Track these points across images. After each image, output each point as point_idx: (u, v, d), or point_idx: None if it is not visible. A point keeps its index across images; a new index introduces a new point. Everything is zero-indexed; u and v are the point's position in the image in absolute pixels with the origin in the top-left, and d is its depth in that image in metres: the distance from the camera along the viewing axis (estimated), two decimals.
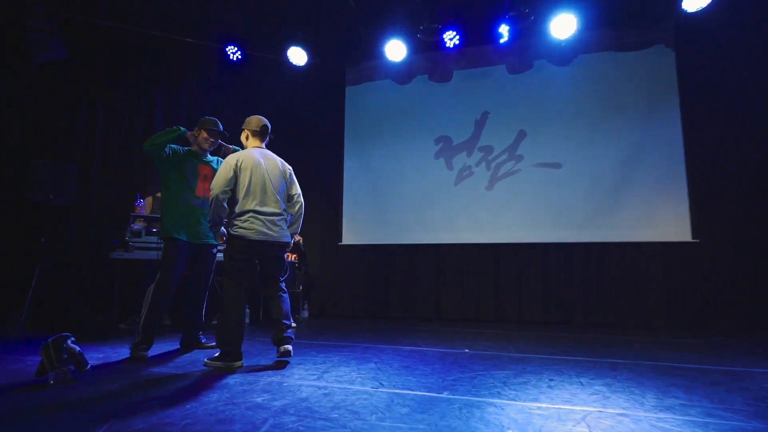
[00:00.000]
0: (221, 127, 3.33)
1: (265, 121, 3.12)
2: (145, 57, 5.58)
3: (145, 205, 4.57)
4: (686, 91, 5.07)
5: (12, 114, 4.84)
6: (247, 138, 3.08)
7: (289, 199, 3.04)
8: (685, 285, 4.89)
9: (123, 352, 3.12)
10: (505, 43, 5.35)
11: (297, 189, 3.08)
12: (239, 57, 5.76)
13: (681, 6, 4.66)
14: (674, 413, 1.86)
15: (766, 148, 4.71)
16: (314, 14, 5.36)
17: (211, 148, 3.33)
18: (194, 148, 3.28)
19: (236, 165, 2.80)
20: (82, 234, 4.99)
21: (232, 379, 2.36)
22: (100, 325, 4.51)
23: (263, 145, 3.09)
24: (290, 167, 3.13)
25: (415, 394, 2.11)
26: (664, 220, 4.97)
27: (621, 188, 5.14)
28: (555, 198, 5.35)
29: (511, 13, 4.95)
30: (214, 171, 3.30)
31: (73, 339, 2.33)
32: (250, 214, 2.77)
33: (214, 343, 3.38)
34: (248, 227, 2.75)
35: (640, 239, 5.02)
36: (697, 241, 4.86)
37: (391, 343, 3.70)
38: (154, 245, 4.28)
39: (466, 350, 3.36)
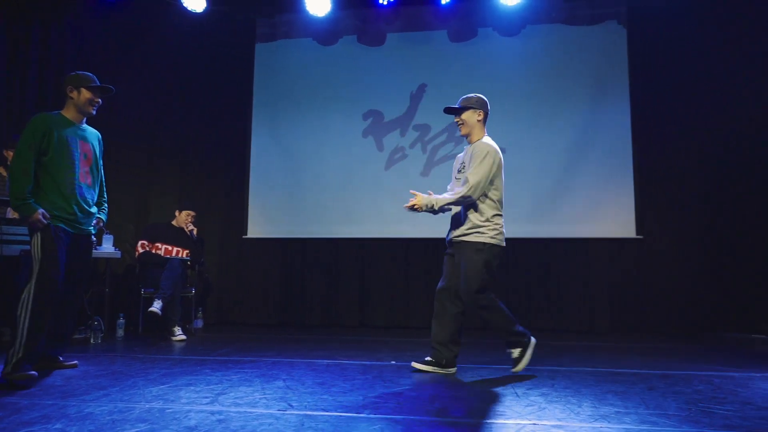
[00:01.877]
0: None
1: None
2: None
3: None
4: (636, 73, 5.54)
5: None
6: (481, 121, 3.34)
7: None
8: (626, 285, 5.38)
9: None
10: (446, 4, 5.50)
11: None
12: None
13: None
14: (609, 422, 2.05)
15: (718, 143, 5.28)
16: None
17: (94, 112, 3.09)
18: (70, 115, 3.02)
19: (498, 157, 3.06)
20: None
21: (99, 408, 2.23)
22: None
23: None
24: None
25: (329, 416, 2.13)
26: (609, 214, 5.42)
27: (566, 178, 5.52)
28: None
29: None
30: (94, 150, 3.12)
31: None
32: (501, 216, 3.06)
33: (75, 362, 3.18)
34: (503, 232, 3.05)
35: (584, 235, 5.44)
36: (641, 237, 5.37)
37: (305, 356, 3.69)
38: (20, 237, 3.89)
39: (393, 362, 3.44)
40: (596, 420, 2.09)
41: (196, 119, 6.15)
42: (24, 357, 2.67)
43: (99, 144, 3.23)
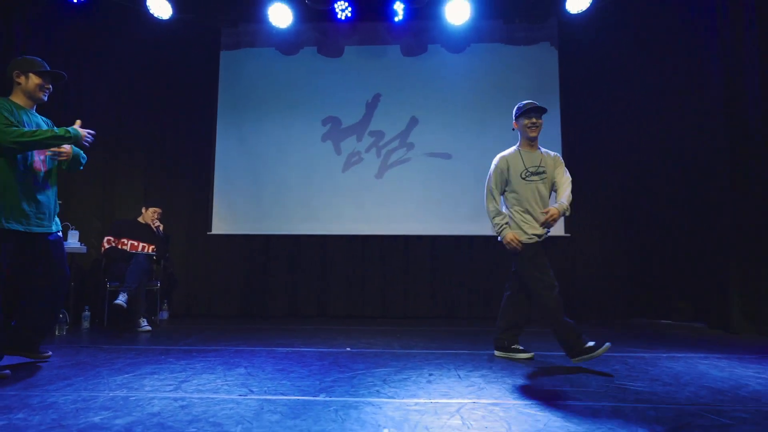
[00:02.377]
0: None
1: None
2: None
3: None
4: (566, 88, 5.77)
5: None
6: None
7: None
8: (557, 277, 5.57)
9: None
10: (399, 21, 5.53)
11: None
12: None
13: (565, 7, 5.26)
14: (539, 399, 2.13)
15: (632, 150, 5.56)
16: None
17: (45, 98, 2.79)
18: (22, 101, 2.72)
19: None
20: None
21: (63, 397, 2.12)
22: None
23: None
24: None
25: (288, 399, 2.11)
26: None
27: None
28: (444, 189, 5.71)
29: None
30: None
31: None
32: None
33: (50, 353, 2.98)
34: None
35: None
36: (569, 235, 5.59)
37: (266, 344, 3.64)
38: None
39: (348, 349, 3.44)
40: (528, 398, 2.16)
41: (162, 120, 5.93)
42: None
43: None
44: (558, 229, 5.57)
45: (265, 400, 2.11)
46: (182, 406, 2.00)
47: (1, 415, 1.87)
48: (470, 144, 5.75)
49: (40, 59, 2.80)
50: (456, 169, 5.74)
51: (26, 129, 2.57)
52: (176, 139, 5.94)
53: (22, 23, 5.15)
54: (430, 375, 2.61)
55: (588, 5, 5.19)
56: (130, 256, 4.64)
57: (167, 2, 5.25)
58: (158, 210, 5.03)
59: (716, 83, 4.78)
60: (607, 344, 2.75)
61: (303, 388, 2.32)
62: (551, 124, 5.70)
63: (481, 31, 5.85)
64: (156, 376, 2.55)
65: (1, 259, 2.54)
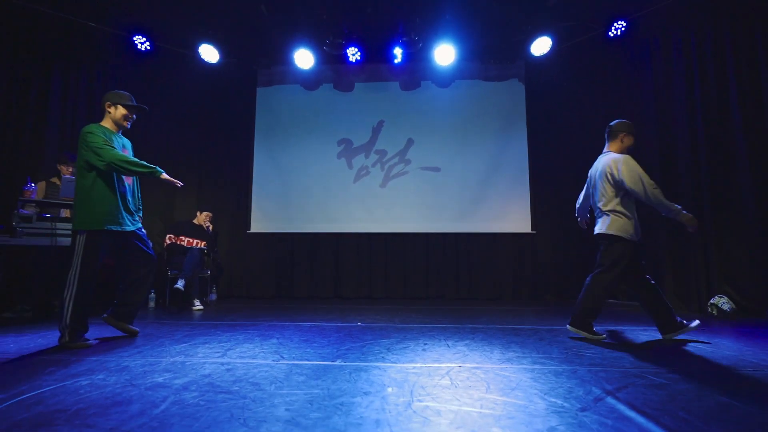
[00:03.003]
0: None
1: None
2: (41, 37, 4.69)
3: (36, 190, 3.85)
4: (531, 116, 5.74)
5: None
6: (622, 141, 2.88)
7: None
8: (525, 266, 5.56)
9: (7, 342, 2.62)
10: (399, 63, 5.52)
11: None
12: (148, 47, 5.12)
13: (530, 50, 5.25)
14: (512, 363, 2.12)
15: (585, 163, 5.52)
16: (227, 14, 4.97)
17: (129, 126, 2.82)
18: (110, 126, 2.74)
19: None
20: None
21: (134, 362, 2.13)
22: None
23: (606, 149, 2.98)
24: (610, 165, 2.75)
25: (311, 364, 2.11)
26: (513, 215, 5.59)
27: (483, 189, 5.66)
28: (434, 196, 5.69)
29: (404, 39, 5.12)
30: (130, 154, 2.85)
31: None
32: None
33: (138, 330, 2.93)
34: None
35: (496, 230, 5.58)
36: (535, 232, 5.56)
37: (293, 320, 3.64)
38: (47, 230, 3.64)
39: (359, 323, 3.43)
40: (503, 362, 2.15)
41: (211, 143, 5.95)
42: (78, 327, 2.50)
43: (131, 151, 2.93)
44: (526, 227, 5.55)
45: (294, 364, 2.10)
46: (227, 369, 2.00)
47: (85, 376, 1.87)
48: (455, 159, 5.74)
49: (128, 93, 2.82)
50: (444, 180, 5.73)
51: (115, 151, 2.59)
52: (222, 158, 5.96)
53: (102, 68, 5.21)
54: (425, 344, 2.60)
55: (548, 49, 5.17)
56: (186, 250, 4.66)
57: (215, 49, 5.26)
58: (209, 214, 5.06)
59: (650, 113, 4.76)
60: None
61: (323, 355, 2.32)
62: (519, 143, 5.69)
63: (463, 70, 5.84)
64: (207, 345, 2.55)
65: (101, 254, 2.58)
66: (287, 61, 5.63)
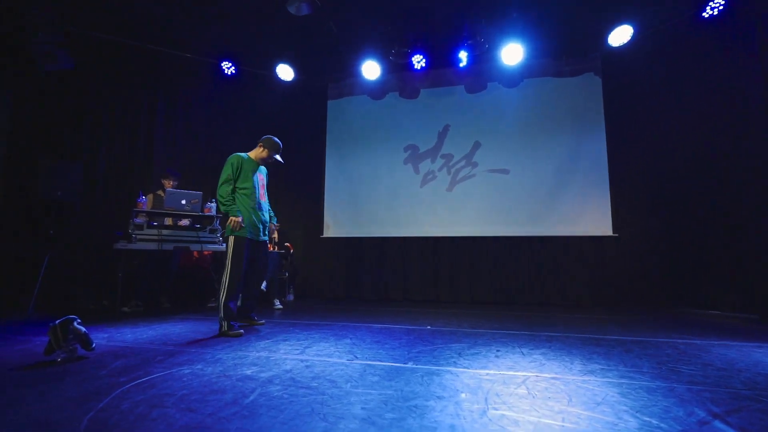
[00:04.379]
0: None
1: None
2: (147, 69, 5.37)
3: (146, 202, 4.40)
4: (610, 112, 5.29)
5: (23, 118, 4.57)
6: None
7: None
8: (606, 271, 5.11)
9: (125, 332, 3.01)
10: (464, 66, 5.43)
11: None
12: (233, 72, 5.63)
13: (607, 41, 4.84)
14: (596, 376, 1.94)
15: (673, 160, 4.96)
16: (301, 36, 5.28)
17: (265, 166, 3.45)
18: (255, 157, 3.30)
19: None
20: (87, 226, 4.78)
21: (226, 355, 2.32)
22: (105, 309, 4.33)
23: None
24: None
25: (384, 365, 2.13)
26: (590, 217, 5.17)
27: (556, 191, 5.32)
28: (503, 199, 5.47)
29: (469, 42, 5.02)
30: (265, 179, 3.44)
31: (79, 321, 2.23)
32: None
33: (263, 321, 3.44)
34: None
35: (571, 233, 5.21)
36: (617, 235, 5.08)
37: (364, 321, 3.71)
38: (155, 237, 4.14)
39: (429, 327, 3.39)
40: (586, 374, 1.99)
41: (286, 154, 6.30)
42: (227, 321, 2.92)
43: (266, 177, 3.50)
44: (606, 230, 5.10)
45: (367, 364, 2.14)
46: (306, 366, 2.09)
47: (187, 366, 2.08)
48: (524, 161, 5.47)
49: (280, 145, 3.37)
50: (513, 182, 5.49)
51: (227, 189, 3.06)
52: (296, 169, 6.31)
53: (196, 93, 5.82)
54: (498, 351, 2.49)
55: (628, 38, 4.73)
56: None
57: (290, 68, 5.61)
58: (277, 225, 5.38)
59: (757, 100, 4.11)
60: None
61: (395, 356, 2.32)
62: (596, 140, 5.27)
63: (532, 68, 5.56)
64: (287, 343, 2.70)
65: (244, 258, 3.05)
66: (355, 73, 5.82)
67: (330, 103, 6.36)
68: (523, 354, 2.41)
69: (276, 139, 3.36)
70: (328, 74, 6.12)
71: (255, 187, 3.22)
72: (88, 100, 4.95)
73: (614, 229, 5.10)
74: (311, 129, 6.35)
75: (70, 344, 2.17)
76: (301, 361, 2.20)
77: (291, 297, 5.66)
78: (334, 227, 6.09)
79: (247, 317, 3.33)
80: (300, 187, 6.30)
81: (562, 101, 5.45)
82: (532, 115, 5.53)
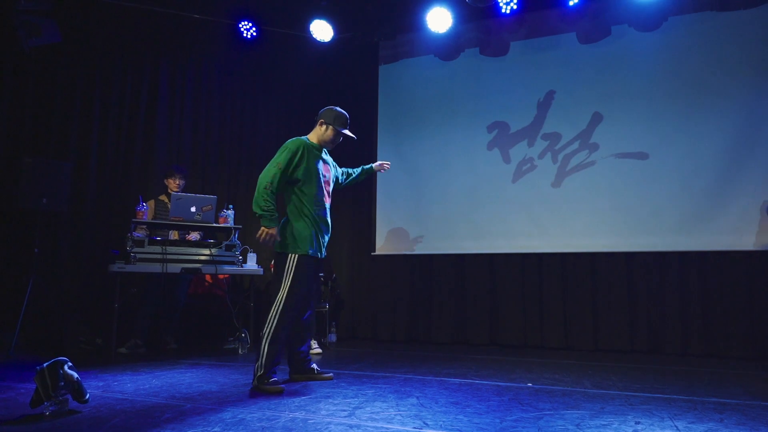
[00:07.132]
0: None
1: None
2: (148, 37, 5.84)
3: (147, 210, 4.75)
4: None
5: (1, 107, 5.15)
6: None
7: None
8: None
9: (125, 380, 3.26)
10: (575, 5, 5.30)
11: None
12: (254, 34, 5.94)
13: None
14: None
15: None
16: None
17: (331, 148, 3.55)
18: (320, 143, 3.42)
19: None
20: (78, 243, 5.27)
21: (250, 415, 2.43)
22: (99, 349, 4.72)
23: None
24: None
25: None
26: None
27: (725, 183, 4.94)
28: (640, 196, 5.20)
29: None
30: (333, 173, 3.54)
31: (70, 364, 2.46)
32: None
33: (330, 374, 3.45)
34: None
35: (752, 248, 4.79)
36: None
37: (436, 373, 3.69)
38: (158, 255, 4.45)
39: (529, 384, 3.31)
40: None
41: None
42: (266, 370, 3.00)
43: (333, 168, 3.62)
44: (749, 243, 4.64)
45: None
46: None
47: (201, 427, 2.20)
48: (672, 139, 5.15)
49: (346, 116, 3.47)
50: (655, 171, 5.19)
51: (271, 185, 3.12)
52: (339, 157, 6.45)
53: (208, 62, 6.24)
54: (637, 423, 2.35)
55: None
56: None
57: (328, 25, 5.80)
58: None
59: None
60: None
61: (482, 426, 2.29)
62: None
63: (680, 0, 5.25)
64: (330, 400, 2.76)
65: (306, 282, 3.21)
66: (417, 27, 5.87)
67: (382, 68, 6.47)
68: (678, 430, 2.26)
69: (338, 108, 3.45)
70: (379, 29, 6.23)
71: (320, 186, 3.31)
72: (75, 82, 5.48)
73: None
74: (357, 105, 6.47)
75: (61, 394, 2.40)
76: (350, 426, 2.23)
77: (333, 337, 5.79)
78: (390, 240, 6.16)
79: (304, 369, 3.35)
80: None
81: (730, 48, 5.07)
82: (683, 72, 5.20)
